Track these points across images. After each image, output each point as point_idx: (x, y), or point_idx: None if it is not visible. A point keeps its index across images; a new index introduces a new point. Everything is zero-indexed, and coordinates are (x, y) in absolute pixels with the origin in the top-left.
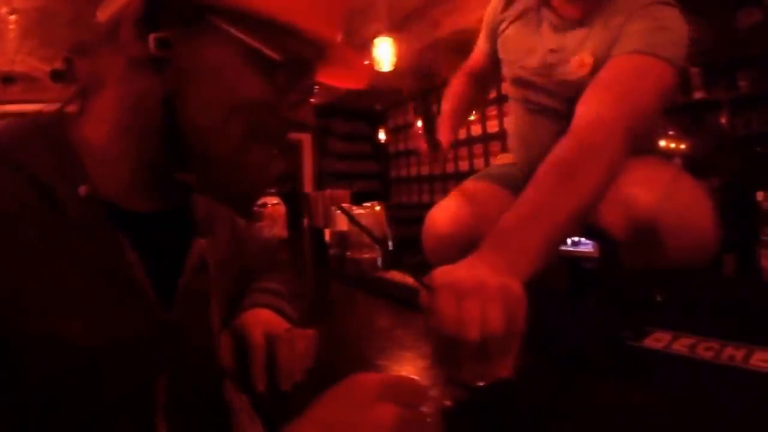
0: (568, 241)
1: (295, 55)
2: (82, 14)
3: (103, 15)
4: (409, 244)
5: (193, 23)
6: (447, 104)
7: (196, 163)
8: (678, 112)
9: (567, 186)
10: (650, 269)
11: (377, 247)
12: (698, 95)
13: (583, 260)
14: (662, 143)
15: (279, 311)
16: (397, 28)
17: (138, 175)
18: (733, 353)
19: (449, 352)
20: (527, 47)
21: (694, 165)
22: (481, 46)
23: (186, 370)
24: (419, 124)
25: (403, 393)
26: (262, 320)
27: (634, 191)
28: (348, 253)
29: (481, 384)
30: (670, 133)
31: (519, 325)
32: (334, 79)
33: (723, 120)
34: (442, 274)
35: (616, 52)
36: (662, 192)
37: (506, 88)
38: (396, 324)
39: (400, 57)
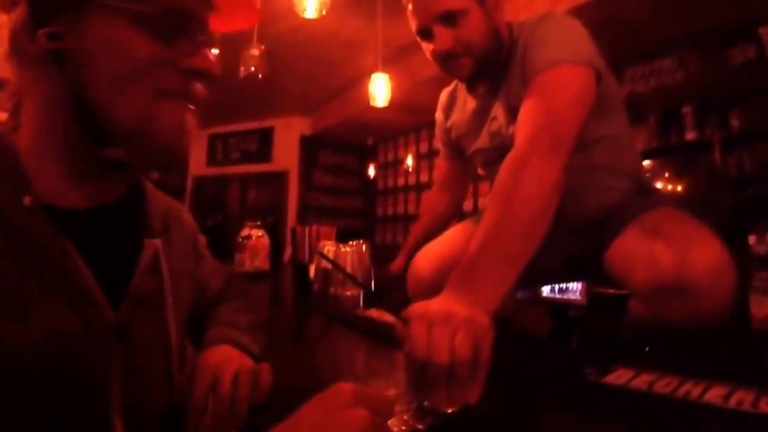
0: (555, 288)
1: (173, 6)
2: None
3: (7, 28)
4: (391, 284)
5: (73, 7)
6: (417, 226)
7: (116, 137)
8: (671, 152)
9: (506, 211)
10: (668, 327)
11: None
12: (690, 135)
13: (568, 308)
14: (658, 185)
15: (241, 347)
16: (390, 62)
17: (70, 167)
18: (690, 389)
19: (421, 376)
20: (474, 129)
21: (685, 207)
22: (441, 152)
23: (139, 370)
24: (409, 161)
25: (375, 403)
26: (217, 358)
27: (661, 249)
28: (331, 290)
29: (449, 410)
30: (665, 175)
31: (485, 353)
32: (223, 24)
33: (715, 160)
34: (416, 307)
35: (527, 82)
36: (689, 252)
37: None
38: (371, 357)
39: (394, 92)
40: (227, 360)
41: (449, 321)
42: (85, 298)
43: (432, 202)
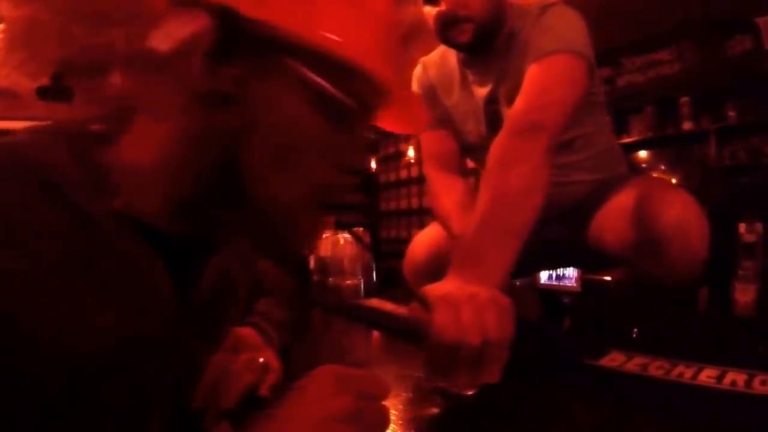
0: (552, 274)
1: (361, 99)
2: (69, 28)
3: (163, 44)
4: (395, 278)
5: (264, 61)
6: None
7: (245, 208)
8: (667, 143)
9: (499, 188)
10: (646, 288)
11: (359, 275)
12: (687, 126)
13: (563, 294)
14: (654, 176)
15: (267, 337)
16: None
17: (178, 204)
18: (683, 371)
19: (448, 360)
20: (467, 111)
21: None
22: (431, 128)
23: (190, 379)
24: (410, 153)
25: (363, 385)
26: (241, 337)
27: (631, 207)
28: (330, 280)
29: (470, 392)
30: (662, 167)
31: (509, 332)
32: (391, 123)
33: (711, 150)
34: (433, 290)
35: (526, 68)
36: (657, 205)
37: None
38: (371, 346)
39: None
40: (248, 342)
41: (476, 301)
42: (155, 304)
43: (453, 200)
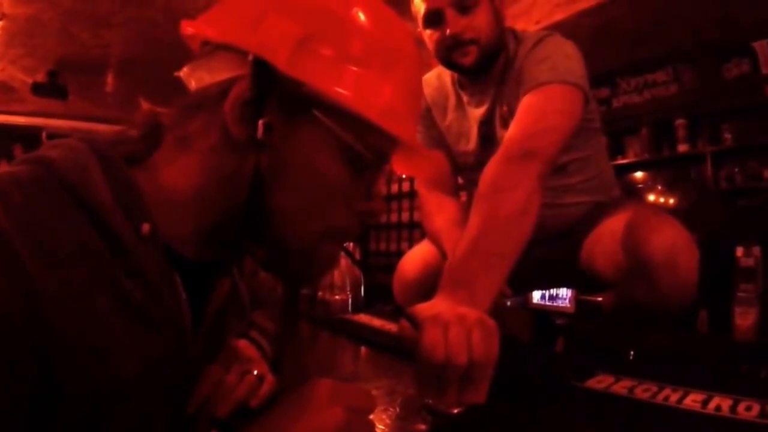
0: (546, 295)
1: (380, 151)
2: (69, 27)
3: (201, 80)
4: (384, 292)
5: (295, 112)
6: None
7: (268, 242)
8: (663, 165)
9: (490, 213)
10: (636, 314)
11: (348, 290)
12: (683, 148)
13: (556, 315)
14: (651, 197)
15: (261, 351)
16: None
17: (203, 234)
18: (669, 395)
19: (435, 379)
20: (465, 132)
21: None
22: (427, 146)
23: (190, 390)
24: None
25: (353, 399)
26: (231, 349)
27: (621, 234)
28: (319, 294)
29: (456, 411)
30: (658, 188)
31: (494, 352)
32: (403, 167)
33: (707, 173)
34: (423, 310)
35: (522, 95)
36: (646, 232)
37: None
38: (357, 360)
39: None
40: (243, 354)
41: (463, 322)
42: (175, 327)
43: (446, 219)
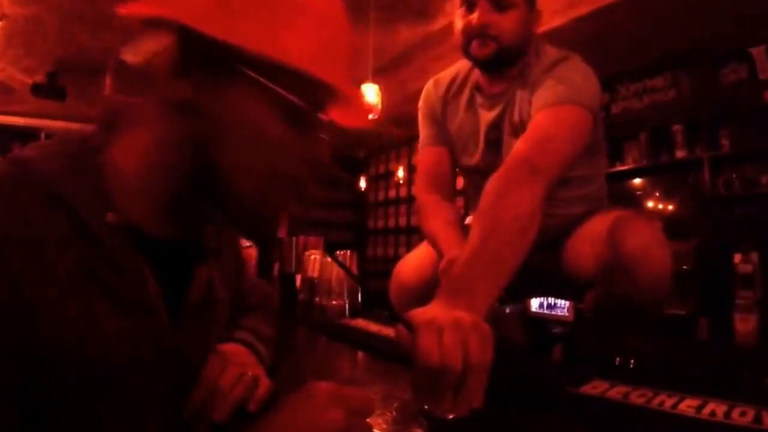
0: (544, 303)
1: (312, 100)
2: (69, 29)
3: (133, 57)
4: (381, 298)
5: (222, 72)
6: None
7: (222, 199)
8: (661, 171)
9: (494, 224)
10: (618, 313)
11: (345, 295)
12: (680, 154)
13: (555, 323)
14: (649, 204)
15: (256, 353)
16: (383, 73)
17: (164, 206)
18: (664, 400)
19: (431, 384)
20: (468, 133)
21: (674, 226)
22: (429, 136)
23: (182, 388)
24: (400, 173)
25: (352, 402)
26: (230, 353)
27: (598, 233)
28: (316, 299)
29: (452, 416)
30: (656, 194)
31: (489, 357)
32: (341, 118)
33: (704, 179)
34: (419, 315)
35: (534, 111)
36: (622, 232)
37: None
38: (354, 365)
39: (385, 103)
40: (239, 358)
41: (459, 327)
42: (154, 319)
43: (443, 220)
